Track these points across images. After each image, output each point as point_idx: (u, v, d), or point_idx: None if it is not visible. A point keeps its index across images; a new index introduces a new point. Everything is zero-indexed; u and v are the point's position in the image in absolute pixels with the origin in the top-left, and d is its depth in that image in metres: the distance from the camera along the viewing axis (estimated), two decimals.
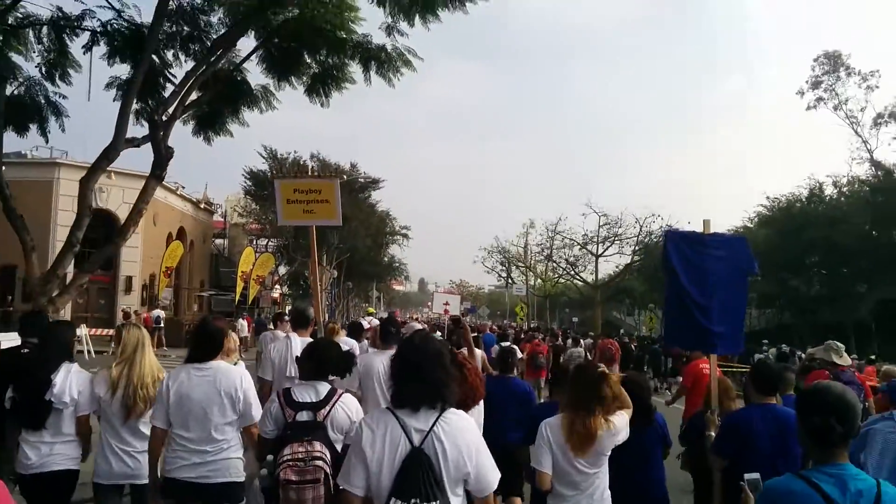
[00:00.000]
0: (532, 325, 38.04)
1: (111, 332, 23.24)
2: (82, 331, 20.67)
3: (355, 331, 8.98)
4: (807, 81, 38.68)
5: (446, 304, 18.64)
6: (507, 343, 10.81)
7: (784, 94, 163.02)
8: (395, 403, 2.61)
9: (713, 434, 4.49)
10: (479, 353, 8.62)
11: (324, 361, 3.86)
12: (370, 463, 2.51)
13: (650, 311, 46.91)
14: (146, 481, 4.08)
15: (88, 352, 20.89)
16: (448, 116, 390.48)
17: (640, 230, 35.73)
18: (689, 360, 22.86)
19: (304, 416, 3.56)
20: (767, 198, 38.67)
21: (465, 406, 3.38)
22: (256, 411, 3.94)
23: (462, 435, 2.57)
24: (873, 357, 15.55)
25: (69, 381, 4.14)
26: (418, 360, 2.62)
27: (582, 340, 19.77)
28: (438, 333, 15.52)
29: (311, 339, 6.04)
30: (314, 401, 3.63)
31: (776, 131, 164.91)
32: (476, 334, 11.85)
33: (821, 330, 35.26)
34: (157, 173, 10.05)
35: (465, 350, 6.16)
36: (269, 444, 3.56)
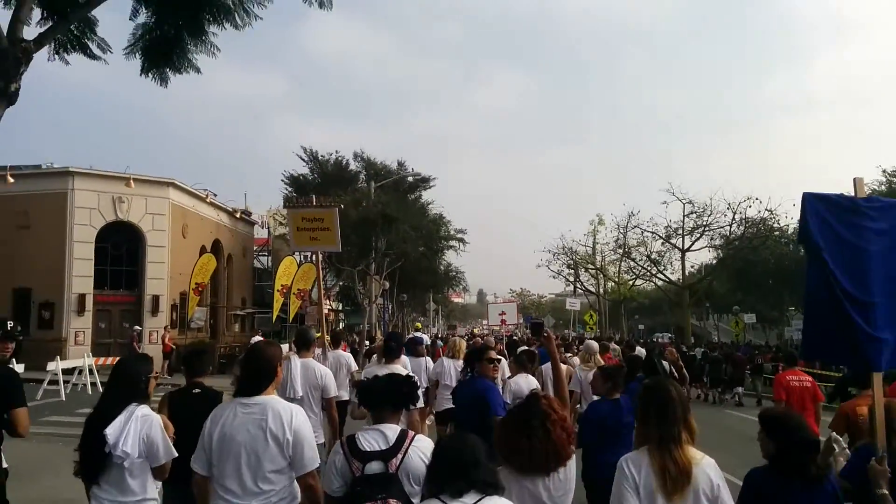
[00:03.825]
0: (579, 336, 34.34)
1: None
2: (86, 360, 17.81)
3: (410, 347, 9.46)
4: None
5: (502, 314, 18.43)
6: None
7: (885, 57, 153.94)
8: (434, 492, 2.61)
9: (885, 492, 3.44)
10: (566, 368, 8.56)
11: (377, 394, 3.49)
12: None
13: (735, 315, 42.70)
14: None
15: (94, 384, 17.97)
16: (498, 126, 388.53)
17: (734, 218, 31.19)
18: (753, 367, 21.59)
19: (373, 467, 3.21)
20: (884, 171, 33.53)
21: (547, 469, 3.20)
22: (311, 458, 3.54)
23: None
24: None
25: (129, 429, 3.62)
26: (450, 464, 2.64)
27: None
28: (493, 340, 15.53)
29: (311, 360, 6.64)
30: (383, 448, 3.26)
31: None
32: (529, 348, 10.53)
33: None
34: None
35: (550, 391, 5.73)
36: None
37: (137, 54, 9.00)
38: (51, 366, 17.01)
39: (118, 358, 5.51)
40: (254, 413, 3.47)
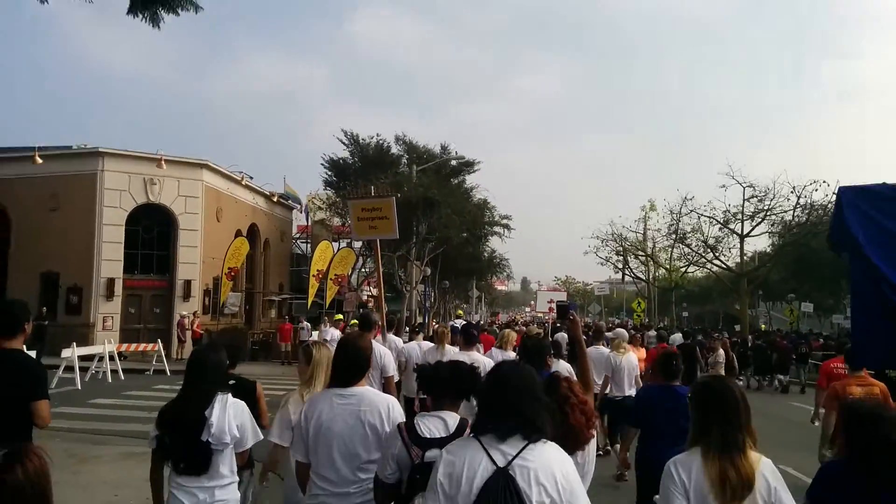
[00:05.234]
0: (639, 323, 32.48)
1: (152, 347, 19.62)
2: (107, 347, 16.68)
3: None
4: None
5: (551, 301, 18.06)
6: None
7: None
8: (478, 430, 2.54)
9: None
10: (603, 351, 9.16)
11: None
12: (444, 491, 2.44)
13: (789, 303, 40.25)
14: None
15: (114, 372, 16.81)
16: (543, 113, 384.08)
17: (798, 202, 28.85)
18: (801, 355, 20.85)
19: (433, 454, 3.07)
20: None
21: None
22: None
23: (554, 465, 2.43)
24: None
25: (228, 416, 3.71)
26: (504, 390, 2.56)
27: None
28: (535, 328, 16.23)
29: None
30: (443, 436, 3.19)
31: None
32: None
33: None
34: None
35: (573, 378, 4.41)
36: (390, 491, 3.22)
37: None
38: (66, 352, 15.91)
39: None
40: (351, 404, 3.53)
